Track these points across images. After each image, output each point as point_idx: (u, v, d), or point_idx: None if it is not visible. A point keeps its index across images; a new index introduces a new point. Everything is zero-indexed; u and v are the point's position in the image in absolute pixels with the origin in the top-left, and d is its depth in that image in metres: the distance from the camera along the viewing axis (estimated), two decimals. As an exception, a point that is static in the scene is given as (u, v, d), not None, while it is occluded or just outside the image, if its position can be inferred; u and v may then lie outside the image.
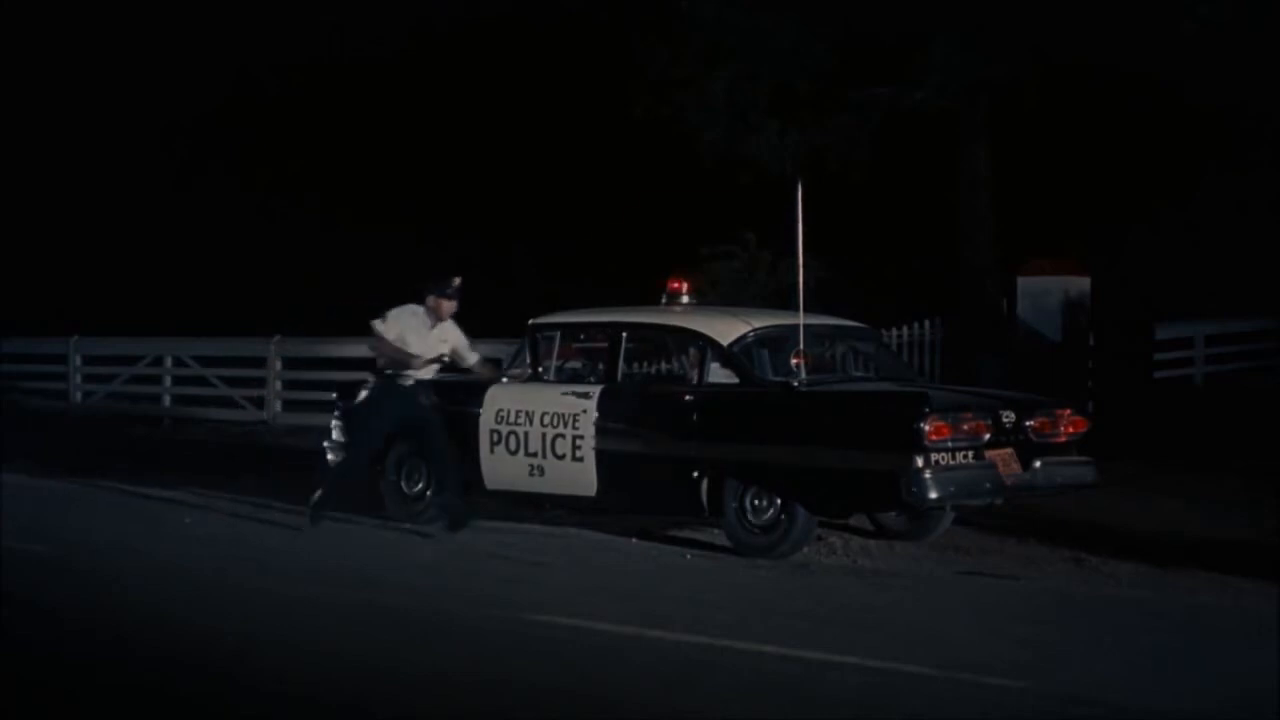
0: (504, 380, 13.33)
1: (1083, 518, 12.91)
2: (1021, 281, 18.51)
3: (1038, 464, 11.92)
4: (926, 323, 20.04)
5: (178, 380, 24.26)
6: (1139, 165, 24.53)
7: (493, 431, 13.13)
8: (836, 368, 13.43)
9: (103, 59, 30.30)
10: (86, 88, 30.74)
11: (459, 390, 13.64)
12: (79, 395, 25.35)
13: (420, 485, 13.61)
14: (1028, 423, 11.95)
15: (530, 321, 13.50)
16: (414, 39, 29.29)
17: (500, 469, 13.14)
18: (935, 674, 8.25)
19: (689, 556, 12.26)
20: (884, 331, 19.96)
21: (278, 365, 23.08)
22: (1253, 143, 21.42)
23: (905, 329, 20.00)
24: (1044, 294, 18.19)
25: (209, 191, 31.20)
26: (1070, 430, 12.23)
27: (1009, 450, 11.79)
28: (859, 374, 13.43)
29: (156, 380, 24.49)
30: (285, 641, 9.26)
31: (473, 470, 13.26)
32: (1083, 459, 12.31)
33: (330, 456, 14.29)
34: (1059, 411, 12.25)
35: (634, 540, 13.01)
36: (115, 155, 31.13)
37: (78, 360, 25.39)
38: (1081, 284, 18.38)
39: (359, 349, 22.38)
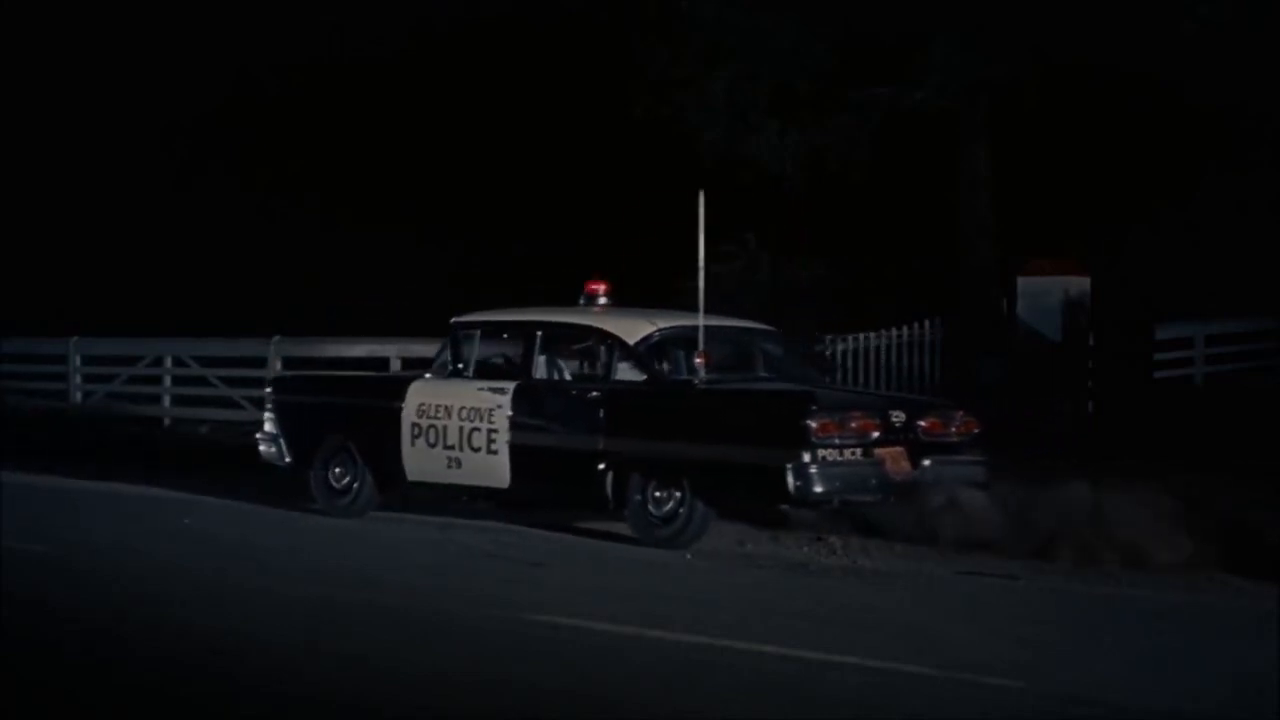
0: (426, 376, 13.93)
1: (1082, 518, 12.88)
2: (1021, 281, 18.52)
3: (927, 462, 12.41)
4: (926, 323, 20.04)
5: (178, 380, 24.23)
6: (1139, 165, 24.49)
7: (414, 425, 13.59)
8: (745, 368, 13.91)
9: (103, 59, 30.28)
10: (86, 88, 30.72)
11: (383, 385, 14.68)
12: (79, 395, 25.33)
13: (348, 479, 14.10)
14: (919, 423, 12.55)
15: (452, 320, 14.04)
16: (414, 39, 29.26)
17: (421, 461, 13.61)
18: (935, 674, 8.25)
19: (689, 556, 12.27)
20: (884, 331, 20.02)
21: (278, 365, 23.07)
22: (1253, 143, 21.41)
23: (905, 329, 20.01)
24: (1044, 294, 18.20)
25: (209, 191, 31.18)
26: (963, 430, 12.77)
27: (899, 449, 12.35)
28: (765, 374, 13.85)
29: (156, 380, 24.47)
30: (285, 641, 9.26)
31: (395, 462, 13.74)
32: (976, 458, 12.75)
33: (262, 449, 14.73)
34: (951, 413, 12.88)
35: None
36: (115, 155, 31.10)
37: (78, 360, 25.36)
38: (1081, 284, 18.38)
39: (359, 349, 22.48)
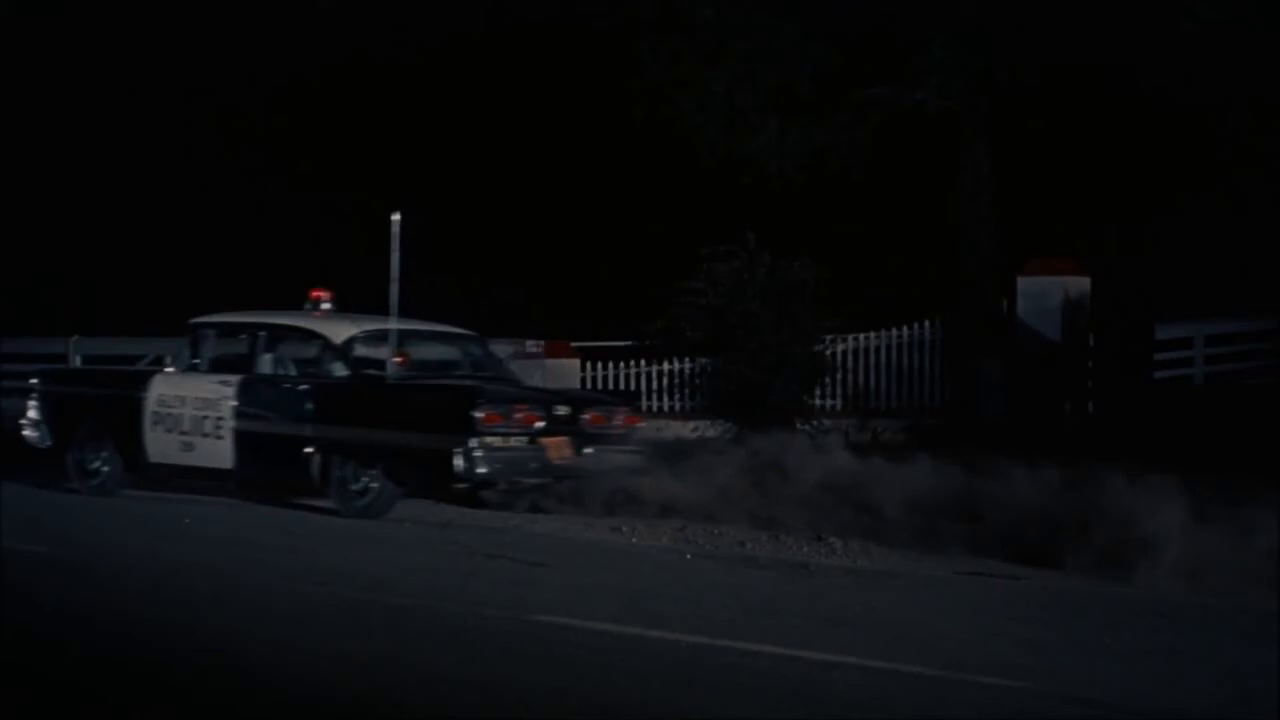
0: (168, 370, 15.83)
1: (1081, 517, 12.90)
2: (1021, 281, 18.53)
3: (589, 450, 14.31)
4: (926, 323, 20.04)
5: (178, 380, 24.18)
6: (1139, 165, 24.49)
7: (154, 413, 15.47)
8: (445, 367, 15.51)
9: (104, 59, 30.30)
10: (87, 88, 30.73)
11: (130, 378, 16.38)
12: (79, 395, 25.28)
13: (98, 462, 15.88)
14: (584, 416, 14.49)
15: (191, 320, 16.03)
16: (413, 41, 29.28)
17: (159, 445, 15.44)
18: (935, 674, 8.25)
19: (689, 557, 12.28)
20: (884, 331, 20.01)
21: (278, 365, 23.04)
22: (1253, 143, 21.39)
23: (905, 329, 20.01)
24: (1044, 294, 18.21)
25: (209, 192, 31.18)
26: (625, 424, 14.82)
27: (564, 438, 14.23)
28: (461, 373, 15.48)
29: (156, 380, 24.41)
30: (286, 641, 9.26)
31: (138, 446, 15.52)
32: (635, 448, 14.69)
33: (27, 433, 16.42)
34: (615, 408, 15.02)
35: (634, 540, 13.05)
36: (115, 155, 31.11)
37: (78, 360, 25.36)
38: (1081, 284, 18.40)
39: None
